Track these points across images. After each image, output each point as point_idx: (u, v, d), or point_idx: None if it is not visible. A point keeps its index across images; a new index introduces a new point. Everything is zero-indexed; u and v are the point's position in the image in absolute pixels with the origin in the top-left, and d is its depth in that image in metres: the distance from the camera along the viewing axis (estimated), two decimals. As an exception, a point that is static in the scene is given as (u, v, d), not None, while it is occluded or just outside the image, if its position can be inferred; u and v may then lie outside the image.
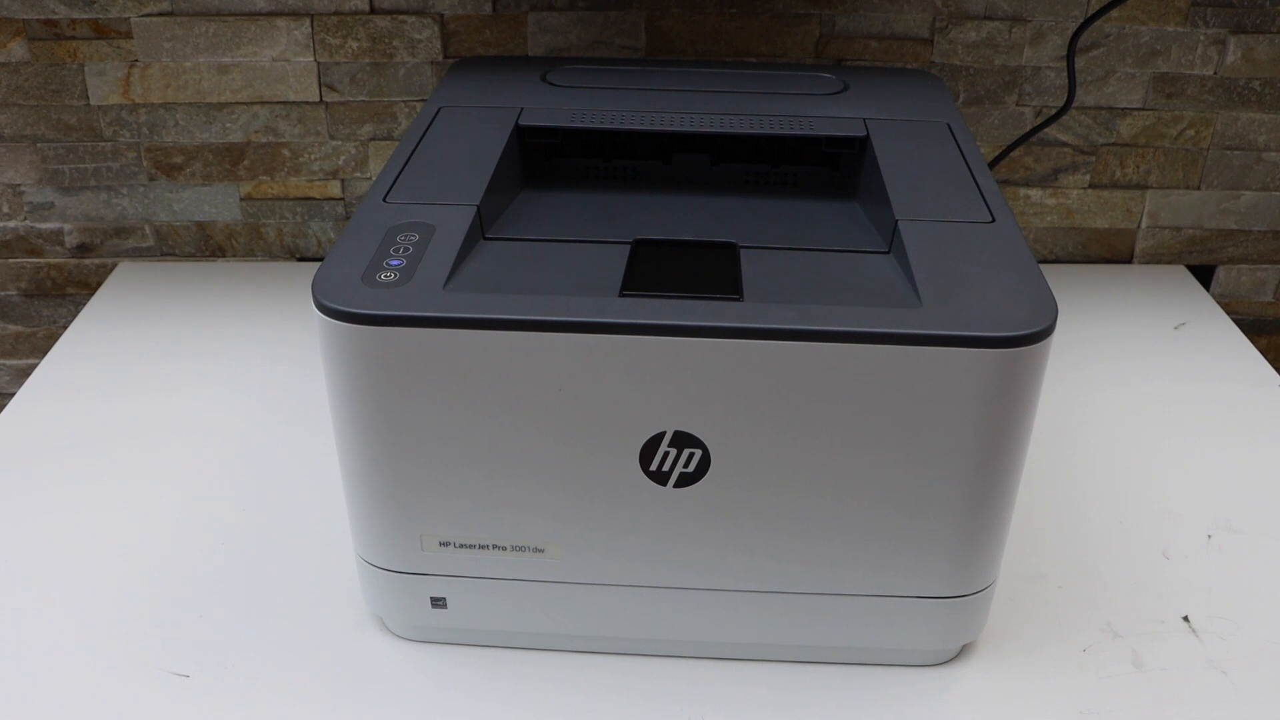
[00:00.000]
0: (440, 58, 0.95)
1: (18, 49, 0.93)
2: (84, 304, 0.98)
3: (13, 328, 1.07)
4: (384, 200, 0.60)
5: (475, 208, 0.59)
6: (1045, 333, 0.50)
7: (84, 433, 0.80)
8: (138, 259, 1.04)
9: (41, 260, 1.03)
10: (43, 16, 0.92)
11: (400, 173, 0.63)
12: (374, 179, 0.91)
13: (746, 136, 0.68)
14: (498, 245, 0.59)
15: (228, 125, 0.97)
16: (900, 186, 0.62)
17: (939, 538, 0.56)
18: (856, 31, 0.94)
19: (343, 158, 0.99)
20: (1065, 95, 0.96)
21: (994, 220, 0.59)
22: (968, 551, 0.57)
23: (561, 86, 0.75)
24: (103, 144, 0.98)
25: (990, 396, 0.51)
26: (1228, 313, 0.99)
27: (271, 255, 1.04)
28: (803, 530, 0.56)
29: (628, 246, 0.58)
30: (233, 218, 1.02)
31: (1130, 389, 0.87)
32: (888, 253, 0.58)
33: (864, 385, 0.51)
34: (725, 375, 0.51)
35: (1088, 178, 1.01)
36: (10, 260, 1.03)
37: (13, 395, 0.85)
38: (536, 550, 0.58)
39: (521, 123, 0.68)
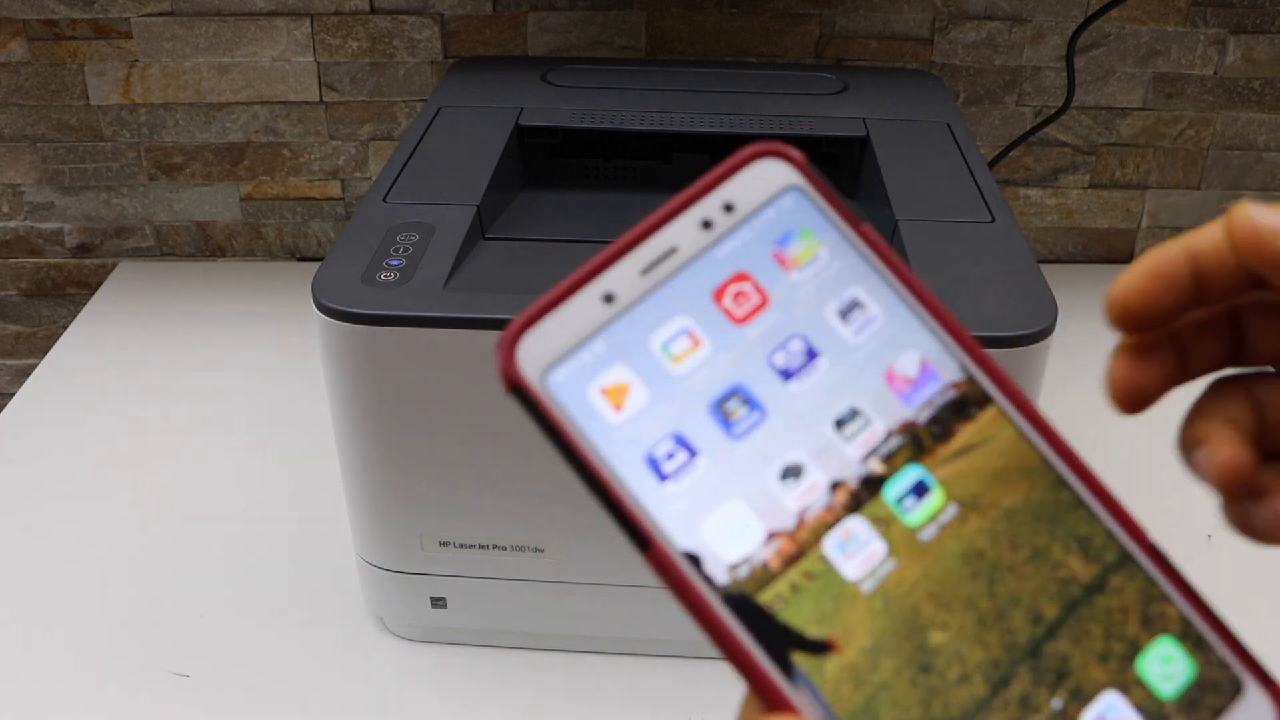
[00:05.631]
0: (440, 58, 0.95)
1: (18, 49, 0.93)
2: (84, 304, 0.98)
3: (13, 328, 1.07)
4: (384, 200, 0.60)
5: (475, 208, 0.59)
6: (1045, 333, 0.50)
7: (84, 433, 0.80)
8: (138, 259, 1.04)
9: (41, 260, 1.03)
10: (43, 16, 0.92)
11: (400, 173, 0.63)
12: (374, 179, 0.91)
13: (746, 136, 0.68)
14: (498, 245, 0.59)
15: (228, 125, 0.97)
16: (900, 186, 0.62)
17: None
18: (856, 31, 0.94)
19: (343, 158, 0.99)
20: (1065, 95, 0.96)
21: (994, 220, 0.59)
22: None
23: (561, 86, 0.75)
24: (103, 144, 0.98)
25: (990, 396, 0.51)
26: (1228, 313, 0.99)
27: (271, 255, 1.04)
28: (803, 530, 0.56)
29: (628, 246, 0.58)
30: (233, 218, 1.02)
31: (1130, 389, 0.87)
32: (888, 253, 0.58)
33: (864, 385, 0.51)
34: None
35: (1087, 178, 1.01)
36: (10, 260, 1.03)
37: (13, 395, 0.85)
38: (536, 550, 0.58)
39: (521, 123, 0.68)
